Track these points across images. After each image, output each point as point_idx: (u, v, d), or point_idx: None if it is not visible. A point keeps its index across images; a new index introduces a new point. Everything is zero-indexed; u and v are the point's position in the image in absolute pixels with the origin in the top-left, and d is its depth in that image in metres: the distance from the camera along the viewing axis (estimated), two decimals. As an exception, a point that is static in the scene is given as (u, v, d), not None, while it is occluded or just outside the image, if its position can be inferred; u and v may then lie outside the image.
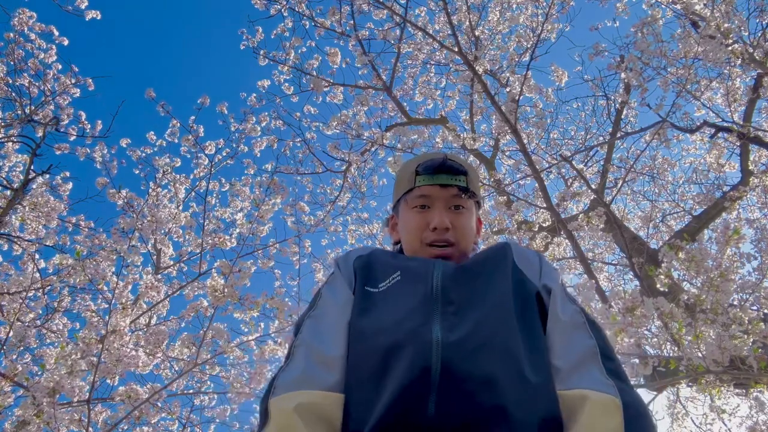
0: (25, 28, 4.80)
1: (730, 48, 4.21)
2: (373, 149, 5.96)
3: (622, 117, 6.01)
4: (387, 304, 0.97)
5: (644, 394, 3.88)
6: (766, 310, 3.31)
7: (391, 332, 0.90)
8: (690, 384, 3.50)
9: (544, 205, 4.44)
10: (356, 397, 0.86)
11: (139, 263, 4.61)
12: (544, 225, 5.33)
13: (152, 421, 3.67)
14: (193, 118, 5.28)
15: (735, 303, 3.35)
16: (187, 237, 5.42)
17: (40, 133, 4.68)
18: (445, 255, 1.08)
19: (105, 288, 4.00)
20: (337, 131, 5.69)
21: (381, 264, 1.07)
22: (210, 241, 4.61)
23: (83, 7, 4.99)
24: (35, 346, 3.79)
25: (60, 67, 5.01)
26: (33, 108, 4.78)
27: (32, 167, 4.47)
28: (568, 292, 1.02)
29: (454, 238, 1.10)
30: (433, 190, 1.12)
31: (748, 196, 5.41)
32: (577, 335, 0.92)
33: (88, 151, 5.21)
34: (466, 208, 1.13)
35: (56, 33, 4.95)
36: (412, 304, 0.94)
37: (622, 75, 4.50)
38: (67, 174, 4.87)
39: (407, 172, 1.16)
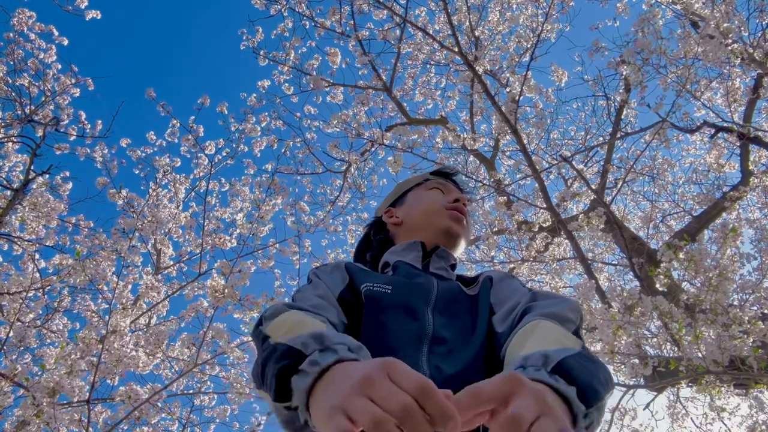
0: (25, 28, 4.79)
1: (730, 48, 4.20)
2: (373, 149, 5.96)
3: (622, 117, 6.01)
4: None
5: (644, 394, 3.89)
6: (766, 310, 3.31)
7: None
8: (690, 384, 3.50)
9: (544, 206, 4.43)
10: None
11: (139, 263, 4.61)
12: (544, 225, 5.33)
13: (152, 422, 3.66)
14: (193, 118, 5.28)
15: (735, 303, 3.35)
16: (187, 237, 5.42)
17: (40, 133, 4.67)
18: (459, 224, 1.10)
19: (105, 288, 4.00)
20: (337, 131, 5.69)
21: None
22: (210, 241, 4.61)
23: (83, 7, 4.98)
24: (35, 346, 3.78)
25: (60, 67, 5.01)
26: (33, 108, 4.78)
27: (32, 167, 4.47)
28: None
29: (465, 221, 1.14)
30: (449, 184, 1.19)
31: (748, 196, 5.40)
32: None
33: (88, 151, 5.22)
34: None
35: (56, 33, 4.95)
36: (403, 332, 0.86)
37: (623, 73, 4.50)
38: (67, 174, 4.87)
39: (418, 176, 1.23)
